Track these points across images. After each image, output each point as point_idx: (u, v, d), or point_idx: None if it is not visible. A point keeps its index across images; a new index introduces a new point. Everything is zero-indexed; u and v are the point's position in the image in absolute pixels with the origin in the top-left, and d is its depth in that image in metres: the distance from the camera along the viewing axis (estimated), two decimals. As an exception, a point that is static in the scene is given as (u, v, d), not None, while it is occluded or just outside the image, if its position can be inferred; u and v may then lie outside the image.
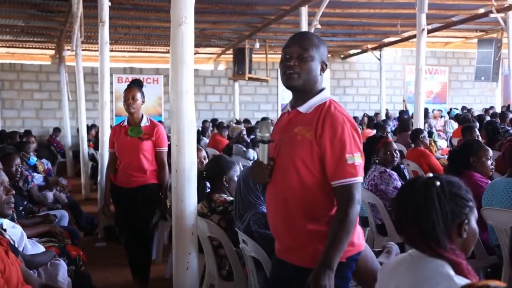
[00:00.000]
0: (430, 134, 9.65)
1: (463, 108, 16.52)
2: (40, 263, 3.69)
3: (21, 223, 4.34)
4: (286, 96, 14.80)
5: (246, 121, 14.48)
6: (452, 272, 1.74)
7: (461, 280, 1.70)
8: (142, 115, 4.89)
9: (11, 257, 2.90)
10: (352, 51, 16.99)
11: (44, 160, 9.16)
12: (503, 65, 13.22)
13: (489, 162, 4.31)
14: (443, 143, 10.50)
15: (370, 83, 17.79)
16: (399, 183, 5.00)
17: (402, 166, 6.49)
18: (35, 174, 6.99)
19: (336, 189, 2.32)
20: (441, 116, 15.63)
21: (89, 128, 12.87)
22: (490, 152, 4.39)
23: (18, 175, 5.59)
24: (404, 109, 16.32)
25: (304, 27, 9.23)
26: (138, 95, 4.81)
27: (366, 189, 4.99)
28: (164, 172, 4.87)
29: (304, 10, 9.24)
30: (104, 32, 6.89)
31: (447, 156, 5.76)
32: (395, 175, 5.10)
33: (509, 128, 8.24)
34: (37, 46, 14.31)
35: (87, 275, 4.11)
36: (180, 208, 3.51)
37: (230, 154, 7.85)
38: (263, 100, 17.10)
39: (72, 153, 13.32)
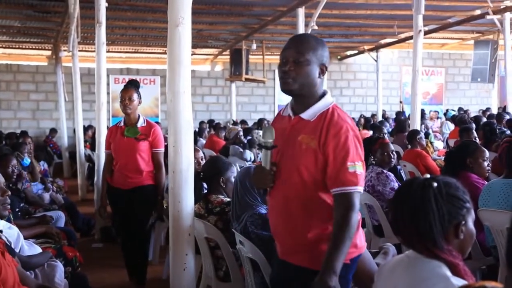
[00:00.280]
0: (427, 135, 9.64)
1: (460, 109, 16.54)
2: (37, 264, 3.69)
3: (18, 224, 4.34)
4: (283, 97, 14.76)
5: (243, 122, 14.48)
6: (449, 273, 1.75)
7: (458, 281, 1.70)
8: (139, 116, 4.88)
9: (7, 258, 2.89)
10: (349, 52, 17.00)
11: (40, 162, 9.15)
12: (499, 67, 13.25)
13: (486, 163, 4.32)
14: (439, 144, 10.51)
15: (367, 84, 17.81)
16: (396, 184, 5.01)
17: (399, 167, 6.50)
18: (36, 183, 6.99)
19: (336, 197, 2.30)
20: (438, 117, 15.65)
21: (86, 129, 12.85)
22: (487, 153, 4.40)
23: (15, 176, 5.58)
24: (401, 110, 16.34)
25: (301, 28, 9.24)
26: (135, 96, 4.81)
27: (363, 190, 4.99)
28: (161, 173, 4.86)
29: (301, 11, 9.26)
30: (101, 32, 6.88)
31: (443, 157, 5.76)
32: (392, 176, 5.11)
33: (505, 130, 8.25)
34: (34, 47, 14.29)
35: (84, 276, 4.11)
36: (177, 209, 3.51)
37: (227, 155, 7.85)
38: (260, 101, 17.09)
39: (69, 154, 13.30)
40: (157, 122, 6.87)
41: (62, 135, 13.61)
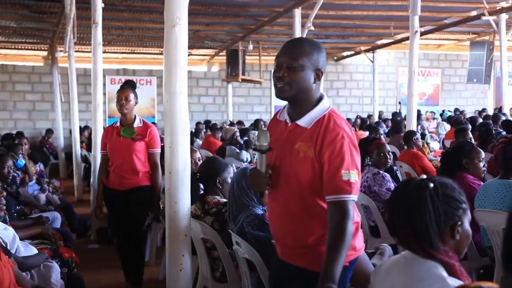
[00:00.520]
0: (423, 136, 9.69)
1: (456, 110, 16.59)
2: (33, 265, 3.68)
3: (13, 225, 4.33)
4: (279, 97, 14.78)
5: (240, 122, 14.48)
6: (445, 274, 1.75)
7: (454, 282, 1.71)
8: (135, 116, 4.88)
9: (3, 259, 2.89)
10: (345, 53, 17.03)
11: (37, 163, 9.13)
12: (495, 68, 13.30)
13: (482, 164, 4.33)
14: (435, 145, 10.54)
15: (363, 85, 17.84)
16: (392, 185, 5.02)
17: (395, 168, 6.51)
18: (32, 184, 6.98)
19: (330, 204, 2.28)
20: (434, 118, 15.69)
21: (82, 130, 12.83)
22: (483, 154, 4.41)
23: (10, 177, 5.57)
24: (398, 111, 16.37)
25: (298, 29, 9.25)
26: (131, 96, 4.80)
27: (359, 191, 4.99)
28: (157, 174, 4.85)
29: (298, 12, 9.27)
30: (97, 33, 6.87)
31: (439, 158, 5.77)
32: (388, 176, 5.12)
33: (501, 130, 8.27)
34: (30, 47, 14.25)
35: (80, 277, 4.11)
36: (174, 209, 3.51)
37: (224, 155, 7.85)
38: (256, 102, 17.10)
39: (65, 155, 13.28)
40: (153, 123, 6.86)
41: (58, 135, 13.58)
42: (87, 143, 11.19)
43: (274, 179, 2.45)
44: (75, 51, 10.74)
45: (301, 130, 2.39)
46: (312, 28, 9.19)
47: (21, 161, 6.91)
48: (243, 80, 14.08)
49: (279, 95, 2.40)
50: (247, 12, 10.47)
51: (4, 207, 3.45)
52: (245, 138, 9.33)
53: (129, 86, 4.88)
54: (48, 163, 13.07)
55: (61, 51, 12.80)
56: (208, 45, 14.46)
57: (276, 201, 2.48)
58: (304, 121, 2.39)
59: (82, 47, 13.25)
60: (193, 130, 12.16)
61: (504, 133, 7.83)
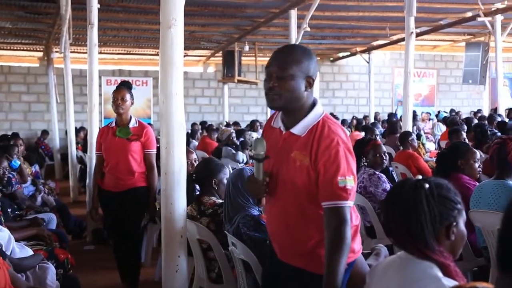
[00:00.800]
0: (419, 136, 9.70)
1: (451, 111, 16.63)
2: (28, 266, 3.68)
3: (9, 226, 4.31)
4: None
5: (236, 123, 14.47)
6: (440, 274, 1.75)
7: (449, 282, 1.71)
8: (131, 117, 4.86)
9: (-2, 261, 2.88)
10: (341, 54, 17.06)
11: (33, 165, 9.09)
12: (491, 69, 13.33)
13: (477, 165, 4.34)
14: (431, 146, 10.55)
15: (359, 86, 17.86)
16: (388, 186, 5.02)
17: (390, 168, 6.52)
18: (27, 185, 6.96)
19: (326, 210, 2.28)
20: (430, 119, 15.72)
21: (78, 131, 12.80)
22: (478, 154, 4.42)
23: (5, 178, 5.56)
24: (394, 112, 16.41)
25: (294, 30, 9.26)
26: (128, 96, 4.79)
27: (355, 195, 5.00)
28: (153, 175, 4.84)
29: (294, 13, 9.28)
30: (93, 34, 6.86)
31: (435, 158, 5.78)
32: (384, 177, 5.13)
33: (496, 131, 8.29)
34: (25, 48, 14.22)
35: (76, 278, 4.10)
36: (169, 210, 3.51)
37: (220, 156, 7.84)
38: (252, 103, 17.10)
39: (61, 156, 13.25)
40: (149, 124, 6.86)
41: (53, 136, 13.55)
42: (83, 144, 11.18)
43: (271, 186, 2.45)
44: (71, 52, 10.73)
45: (295, 138, 2.38)
46: (308, 29, 9.19)
47: (16, 162, 6.89)
48: (239, 81, 14.09)
49: (271, 105, 2.39)
50: (243, 13, 10.47)
51: None
52: (241, 139, 9.32)
53: (125, 86, 4.87)
54: (44, 164, 13.04)
55: (56, 52, 12.77)
56: (204, 46, 14.46)
57: (274, 207, 2.49)
58: (298, 129, 2.37)
59: (78, 48, 13.23)
60: (189, 131, 12.16)
61: (499, 134, 7.86)
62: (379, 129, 11.35)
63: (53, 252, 4.20)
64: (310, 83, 2.36)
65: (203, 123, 14.31)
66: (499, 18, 10.32)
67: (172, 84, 3.46)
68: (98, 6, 6.93)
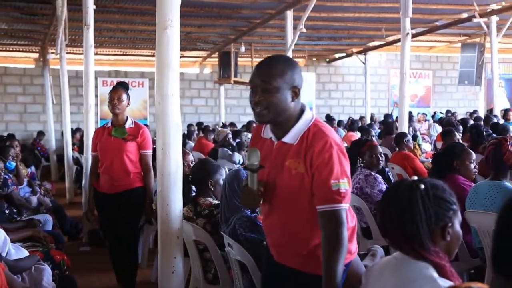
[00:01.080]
0: (415, 137, 9.69)
1: (447, 111, 16.66)
2: (24, 267, 3.67)
3: (4, 228, 4.30)
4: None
5: (232, 124, 14.47)
6: (435, 275, 1.76)
7: (445, 283, 1.72)
8: (127, 117, 4.85)
9: (-6, 262, 2.87)
10: (337, 55, 17.08)
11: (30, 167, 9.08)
12: (486, 69, 13.36)
13: (473, 165, 4.35)
14: (427, 147, 10.57)
15: (355, 87, 17.89)
16: (384, 186, 5.03)
17: (386, 169, 6.52)
18: (23, 186, 6.95)
19: (321, 214, 2.27)
20: (425, 120, 15.74)
21: (74, 132, 12.79)
22: (474, 155, 4.43)
23: (1, 180, 5.55)
24: (390, 113, 16.42)
25: (290, 31, 9.28)
26: (124, 96, 4.78)
27: (351, 192, 5.00)
28: (149, 176, 4.82)
29: (290, 14, 9.30)
30: (89, 35, 6.85)
31: (431, 159, 5.80)
32: (380, 178, 5.13)
33: (492, 132, 8.30)
34: (21, 49, 14.19)
35: (72, 279, 4.09)
36: (166, 211, 3.51)
37: (216, 157, 7.85)
38: (248, 104, 16.84)
39: (57, 157, 13.23)
40: (145, 125, 6.86)
41: (49, 138, 13.52)
42: (79, 145, 11.15)
43: (268, 195, 2.44)
44: (67, 53, 10.72)
45: (288, 146, 2.36)
46: (304, 30, 9.21)
47: (11, 164, 6.87)
48: (235, 82, 14.10)
49: (259, 119, 2.38)
50: (239, 14, 10.48)
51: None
52: (238, 140, 9.33)
53: (122, 86, 4.86)
54: (40, 165, 13.01)
55: (52, 53, 12.75)
56: (200, 47, 14.46)
57: (271, 215, 2.48)
58: (289, 138, 2.36)
59: (74, 49, 13.21)
60: (185, 132, 12.15)
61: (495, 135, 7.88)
62: (375, 130, 11.37)
63: (49, 253, 4.19)
64: (296, 93, 2.34)
65: (199, 124, 14.30)
66: (494, 19, 10.34)
67: (168, 85, 3.47)
68: (94, 7, 6.92)
